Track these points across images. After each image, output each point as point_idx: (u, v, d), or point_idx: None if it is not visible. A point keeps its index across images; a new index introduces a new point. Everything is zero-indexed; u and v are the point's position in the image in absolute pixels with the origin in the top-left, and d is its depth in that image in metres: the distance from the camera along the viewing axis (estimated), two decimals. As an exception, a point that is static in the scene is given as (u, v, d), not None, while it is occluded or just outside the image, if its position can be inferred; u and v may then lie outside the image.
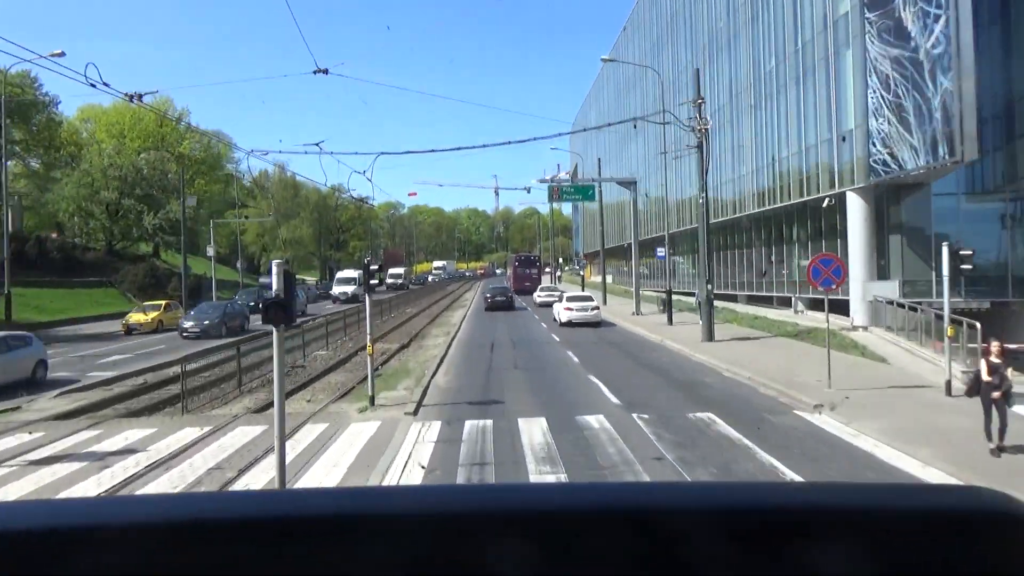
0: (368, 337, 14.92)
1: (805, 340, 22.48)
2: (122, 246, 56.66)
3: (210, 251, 47.06)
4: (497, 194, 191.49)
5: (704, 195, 23.29)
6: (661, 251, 32.34)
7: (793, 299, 32.45)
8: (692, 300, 42.97)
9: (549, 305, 42.50)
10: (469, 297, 60.34)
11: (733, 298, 41.06)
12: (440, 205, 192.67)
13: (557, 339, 25.72)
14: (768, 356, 19.35)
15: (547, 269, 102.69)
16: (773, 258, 35.44)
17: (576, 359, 20.35)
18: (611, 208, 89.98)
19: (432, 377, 17.68)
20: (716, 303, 35.31)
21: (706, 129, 22.90)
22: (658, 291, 50.06)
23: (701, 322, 26.41)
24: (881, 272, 25.06)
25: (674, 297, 46.31)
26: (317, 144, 23.77)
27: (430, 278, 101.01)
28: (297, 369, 19.71)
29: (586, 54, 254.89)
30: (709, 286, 23.13)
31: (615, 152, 66.18)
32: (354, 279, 52.30)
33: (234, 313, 32.19)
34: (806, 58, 27.94)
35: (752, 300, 38.71)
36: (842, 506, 0.90)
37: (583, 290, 52.58)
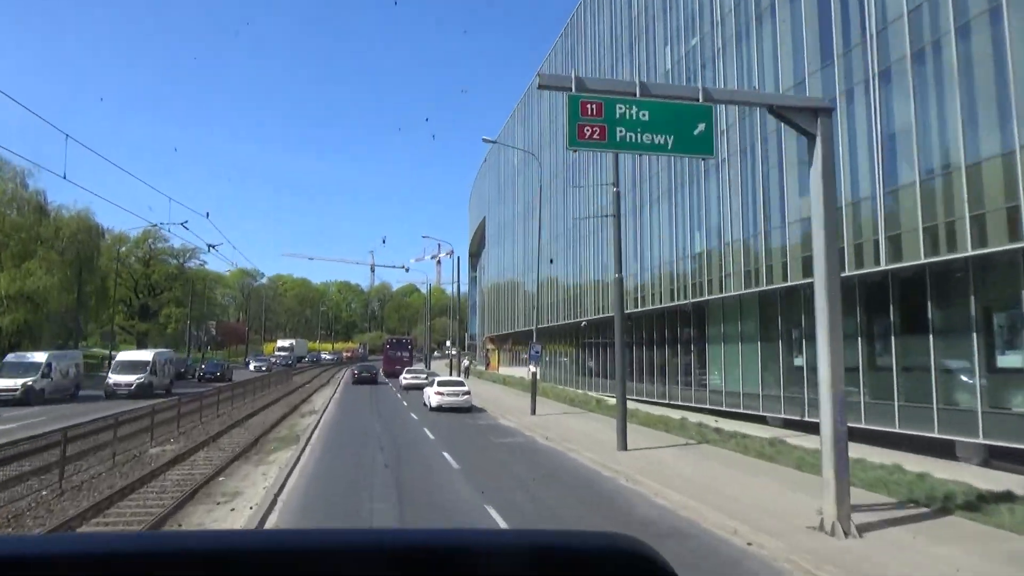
0: None
1: None
2: None
3: None
4: (373, 270, 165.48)
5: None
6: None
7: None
8: (655, 412, 20.20)
9: (417, 388, 37.50)
10: (321, 402, 32.83)
11: (759, 421, 18.94)
12: (307, 276, 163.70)
13: None
14: None
15: (437, 354, 78.30)
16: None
17: None
18: (505, 287, 68.03)
19: None
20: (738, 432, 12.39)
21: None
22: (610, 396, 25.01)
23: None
24: None
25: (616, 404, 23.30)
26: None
27: (252, 365, 66.83)
28: None
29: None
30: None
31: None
32: None
33: None
34: None
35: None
36: (505, 546, 1.18)
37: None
